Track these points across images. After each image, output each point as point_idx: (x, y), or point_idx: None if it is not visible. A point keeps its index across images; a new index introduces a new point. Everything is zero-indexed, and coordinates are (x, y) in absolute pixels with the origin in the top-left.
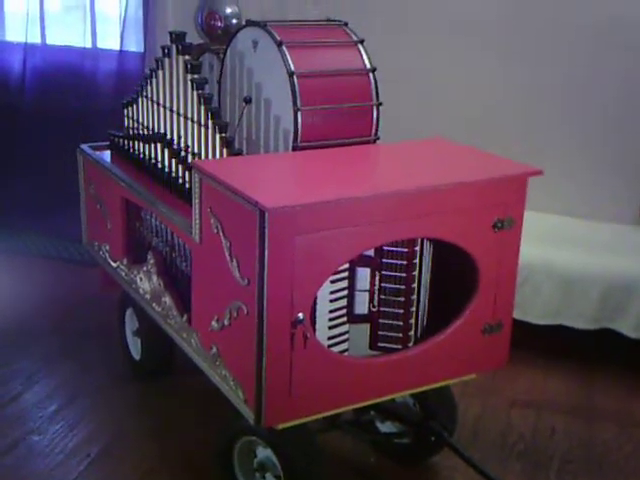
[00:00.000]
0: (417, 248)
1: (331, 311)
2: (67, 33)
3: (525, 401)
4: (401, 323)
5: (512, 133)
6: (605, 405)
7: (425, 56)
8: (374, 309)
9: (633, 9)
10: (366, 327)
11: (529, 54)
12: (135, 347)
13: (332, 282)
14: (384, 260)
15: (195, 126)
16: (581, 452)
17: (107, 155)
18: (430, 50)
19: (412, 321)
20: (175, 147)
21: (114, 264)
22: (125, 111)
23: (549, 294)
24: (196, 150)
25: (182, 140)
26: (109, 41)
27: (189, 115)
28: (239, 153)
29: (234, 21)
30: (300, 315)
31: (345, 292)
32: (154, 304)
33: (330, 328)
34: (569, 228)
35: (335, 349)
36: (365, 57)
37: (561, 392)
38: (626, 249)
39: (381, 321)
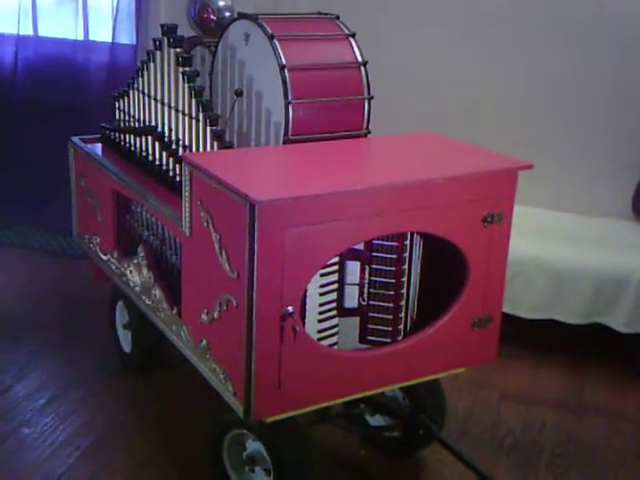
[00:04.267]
0: (407, 242)
1: (321, 304)
2: (59, 25)
3: (515, 395)
4: (391, 317)
5: (505, 127)
6: (595, 399)
7: (417, 50)
8: (364, 303)
9: (627, 6)
10: (356, 320)
11: (522, 48)
12: (126, 340)
13: (322, 276)
14: (374, 254)
15: (186, 119)
16: (571, 446)
17: (98, 148)
18: (422, 44)
19: (402, 315)
20: (166, 140)
21: (104, 257)
22: (116, 103)
23: (540, 288)
24: (187, 143)
25: (173, 133)
26: (101, 33)
27: (180, 108)
28: (230, 146)
29: (227, 14)
30: (290, 308)
31: (335, 286)
32: (144, 297)
33: (320, 321)
34: (561, 223)
35: (325, 342)
36: (357, 50)
37: (551, 386)
38: (618, 244)
39: (371, 315)
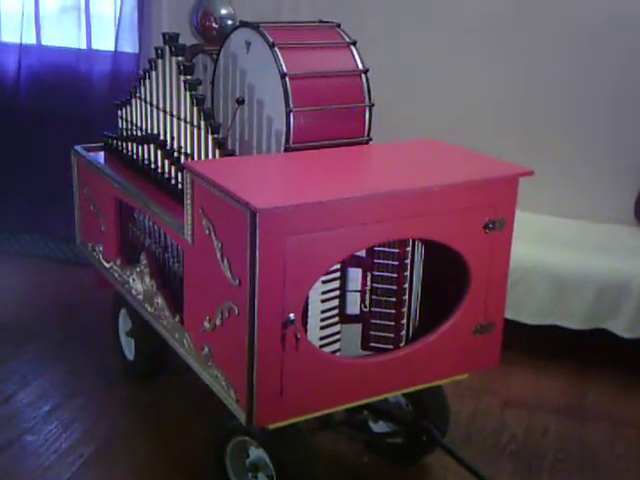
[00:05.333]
0: (408, 249)
1: (323, 311)
2: (62, 34)
3: (518, 401)
4: (393, 323)
5: (506, 133)
6: (598, 405)
7: (418, 57)
8: (366, 309)
9: (629, 7)
10: (358, 327)
11: (523, 53)
12: (129, 347)
13: (324, 282)
14: (375, 260)
15: (188, 127)
16: (573, 452)
17: (101, 156)
18: (422, 52)
19: (404, 321)
20: (168, 148)
21: (107, 265)
22: (119, 112)
23: (542, 294)
24: (189, 151)
25: (175, 141)
26: (104, 42)
27: (182, 116)
28: (231, 154)
29: (229, 22)
30: (291, 315)
31: (337, 292)
32: (147, 305)
33: (322, 328)
34: (563, 229)
35: (327, 349)
36: (357, 58)
37: (554, 392)
38: (619, 249)
39: (373, 321)
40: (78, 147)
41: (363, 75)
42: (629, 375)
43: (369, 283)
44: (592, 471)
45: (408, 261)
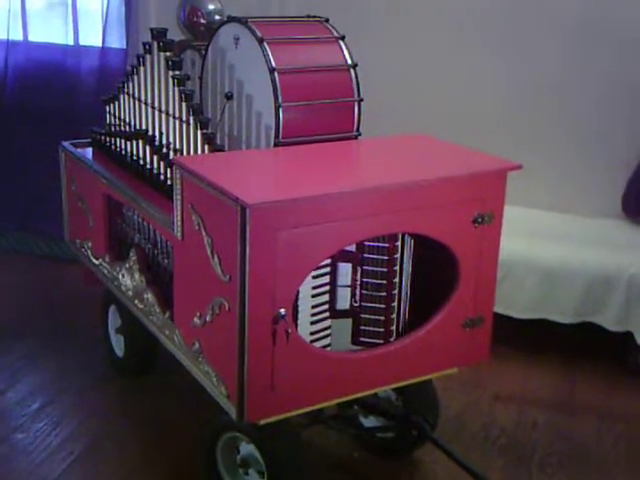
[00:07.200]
0: (398, 243)
1: (313, 306)
2: (49, 30)
3: (507, 395)
4: (383, 318)
5: (496, 127)
6: (586, 398)
7: (407, 52)
8: (356, 304)
9: (622, 4)
10: (348, 322)
11: (514, 48)
12: (118, 344)
13: (314, 277)
14: (365, 255)
15: (176, 122)
16: (562, 445)
17: (89, 152)
18: (411, 46)
19: (394, 316)
20: (157, 144)
21: (96, 261)
22: (107, 108)
23: (531, 288)
24: (178, 146)
25: (164, 136)
26: (91, 38)
27: (170, 112)
28: (220, 149)
29: (217, 17)
30: (282, 311)
31: (327, 287)
32: (136, 301)
33: (312, 323)
34: (551, 222)
35: (317, 344)
36: (346, 53)
37: (543, 386)
38: (608, 243)
39: (363, 316)
40: (66, 143)
41: (352, 70)
42: (617, 368)
43: (359, 278)
44: (581, 464)
45: (398, 256)
